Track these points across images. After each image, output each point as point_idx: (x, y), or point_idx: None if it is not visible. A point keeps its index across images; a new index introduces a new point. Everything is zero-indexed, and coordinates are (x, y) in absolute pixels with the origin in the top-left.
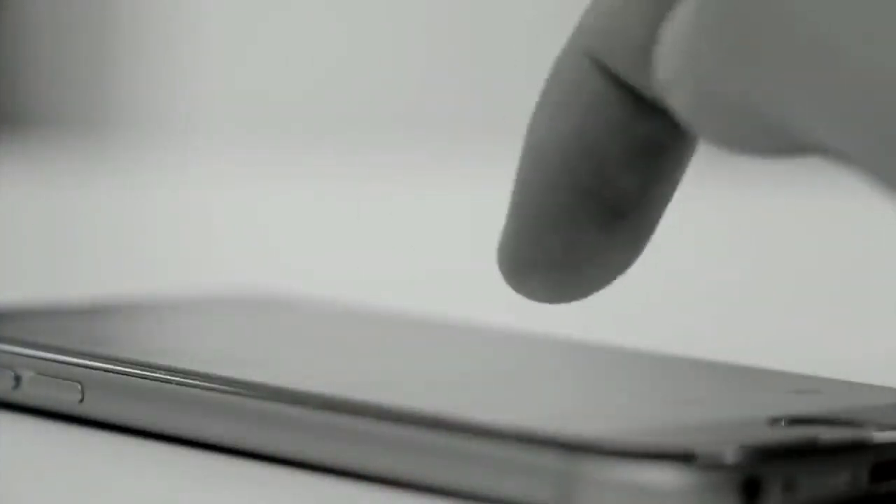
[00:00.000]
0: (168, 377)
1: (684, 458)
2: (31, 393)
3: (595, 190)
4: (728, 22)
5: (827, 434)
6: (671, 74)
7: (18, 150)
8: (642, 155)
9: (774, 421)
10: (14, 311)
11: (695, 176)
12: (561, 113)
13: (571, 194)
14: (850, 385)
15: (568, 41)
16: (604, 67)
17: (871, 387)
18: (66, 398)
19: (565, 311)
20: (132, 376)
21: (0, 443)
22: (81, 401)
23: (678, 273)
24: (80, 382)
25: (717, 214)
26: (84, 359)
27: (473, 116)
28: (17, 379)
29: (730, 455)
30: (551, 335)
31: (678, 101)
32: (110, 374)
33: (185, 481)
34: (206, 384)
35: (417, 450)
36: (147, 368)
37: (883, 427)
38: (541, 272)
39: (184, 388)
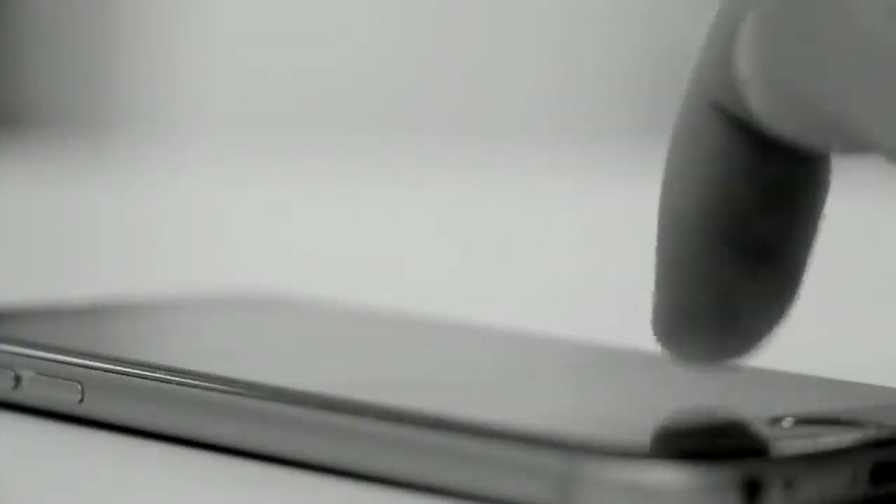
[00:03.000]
0: (168, 377)
1: (684, 458)
2: (31, 393)
3: (737, 238)
4: (791, 17)
5: (827, 434)
6: (747, 74)
7: (18, 150)
8: (777, 197)
9: (774, 421)
10: (14, 311)
11: None
12: (692, 168)
13: (715, 247)
14: (850, 385)
15: (686, 94)
16: (727, 114)
17: (871, 387)
18: (66, 398)
19: (566, 312)
20: (132, 376)
21: (0, 443)
22: (81, 401)
23: None
24: (80, 382)
25: None
26: (84, 359)
27: (476, 118)
28: (17, 379)
29: (730, 455)
30: (551, 335)
31: (754, 100)
32: (110, 374)
33: (185, 481)
34: (206, 384)
35: (417, 450)
36: (147, 368)
37: (883, 427)
38: (699, 333)
39: (184, 388)
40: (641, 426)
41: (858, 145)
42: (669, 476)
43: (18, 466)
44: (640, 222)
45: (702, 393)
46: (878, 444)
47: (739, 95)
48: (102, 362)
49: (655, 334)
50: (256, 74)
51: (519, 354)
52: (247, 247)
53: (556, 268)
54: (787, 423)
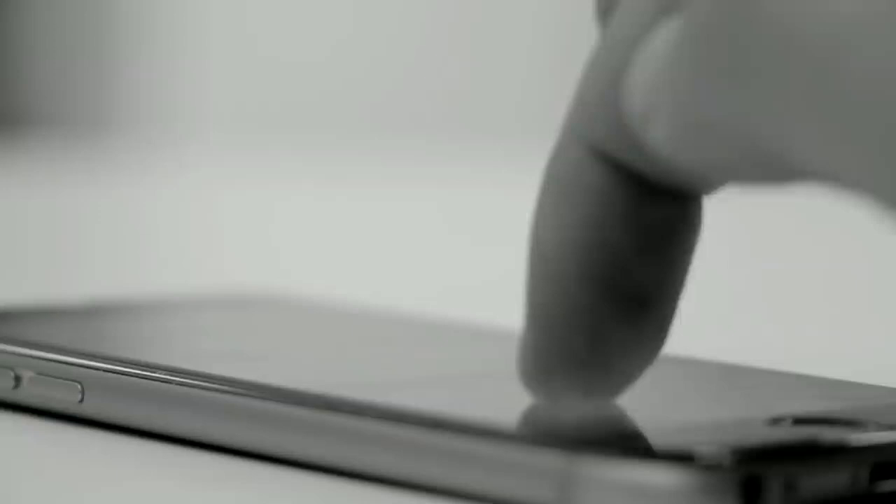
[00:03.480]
0: (168, 377)
1: (684, 458)
2: (31, 393)
3: (613, 283)
4: (716, 45)
5: (827, 434)
6: (650, 106)
7: (18, 150)
8: (655, 241)
9: (774, 421)
10: (14, 311)
11: None
12: (566, 209)
13: (589, 291)
14: (850, 385)
15: (560, 137)
16: (602, 155)
17: (871, 387)
18: (66, 398)
19: None
20: (132, 376)
21: (0, 443)
22: (81, 401)
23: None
24: (80, 382)
25: (717, 215)
26: (84, 359)
27: (475, 118)
28: (17, 379)
29: (730, 455)
30: None
31: (658, 133)
32: (110, 374)
33: (185, 481)
34: (206, 384)
35: (417, 450)
36: (147, 368)
37: (883, 427)
38: (567, 375)
39: (184, 388)
40: (641, 426)
41: (790, 173)
42: (669, 476)
43: (18, 466)
44: None
45: (702, 393)
46: (878, 443)
47: (626, 134)
48: (102, 362)
49: (519, 369)
50: (257, 74)
51: None
52: (247, 247)
53: None
54: (787, 423)
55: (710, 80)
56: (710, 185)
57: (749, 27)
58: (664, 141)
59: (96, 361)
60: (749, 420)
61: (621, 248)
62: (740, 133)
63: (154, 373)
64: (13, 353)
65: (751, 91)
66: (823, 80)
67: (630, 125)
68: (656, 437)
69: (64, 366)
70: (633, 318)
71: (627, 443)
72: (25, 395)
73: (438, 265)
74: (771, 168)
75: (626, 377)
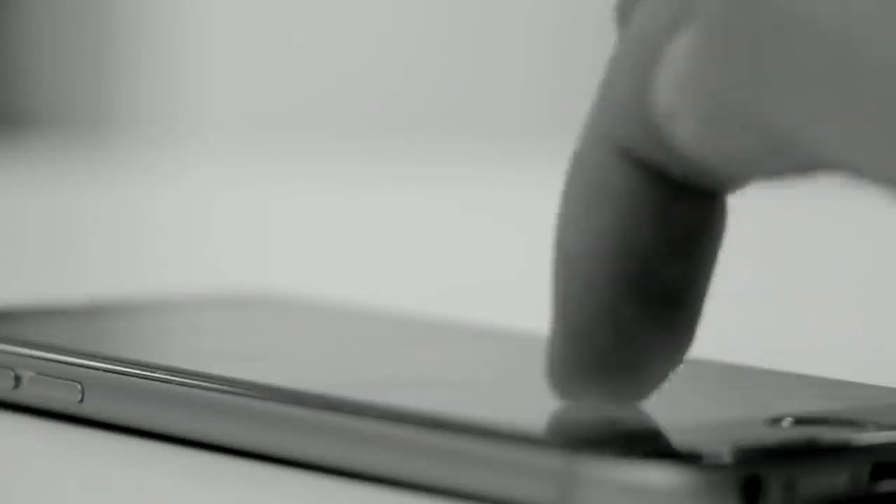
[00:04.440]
0: (168, 377)
1: (684, 458)
2: (31, 393)
3: (641, 284)
4: (734, 40)
5: (827, 434)
6: (675, 103)
7: (18, 150)
8: (682, 240)
9: (774, 421)
10: (14, 311)
11: None
12: (592, 210)
13: (617, 292)
14: (850, 385)
15: (585, 136)
16: (629, 155)
17: (871, 387)
18: (66, 398)
19: None
20: (132, 376)
21: (0, 443)
22: (81, 401)
23: None
24: (80, 382)
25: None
26: (84, 359)
27: (474, 118)
28: (17, 379)
29: (730, 455)
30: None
31: (684, 130)
32: (110, 374)
33: (185, 481)
34: (206, 384)
35: (417, 450)
36: (147, 368)
37: (883, 427)
38: (595, 379)
39: (184, 388)
40: (641, 426)
41: (810, 164)
42: (669, 476)
43: (18, 466)
44: None
45: (702, 393)
46: (878, 443)
47: (654, 132)
48: (102, 362)
49: (548, 373)
50: (256, 75)
51: (519, 354)
52: (247, 247)
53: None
54: (787, 423)
55: (730, 74)
56: (735, 182)
57: (763, 20)
58: (690, 137)
59: (96, 361)
60: (749, 420)
61: (649, 248)
62: (762, 125)
63: (154, 373)
64: (13, 353)
65: (770, 84)
66: (838, 71)
67: (657, 124)
68: (656, 437)
69: (64, 366)
70: (661, 318)
71: (627, 443)
72: (25, 395)
73: (438, 265)
74: (792, 159)
75: (654, 378)
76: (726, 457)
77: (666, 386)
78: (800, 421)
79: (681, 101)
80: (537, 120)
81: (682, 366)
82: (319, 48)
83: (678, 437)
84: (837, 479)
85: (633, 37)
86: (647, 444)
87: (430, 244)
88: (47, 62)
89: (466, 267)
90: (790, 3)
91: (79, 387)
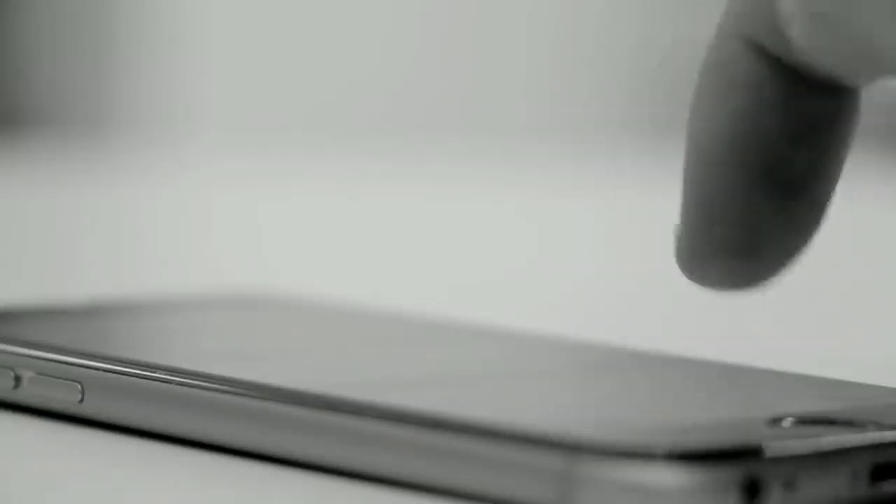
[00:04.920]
0: (168, 377)
1: (684, 458)
2: (31, 393)
3: (767, 172)
4: None
5: (827, 434)
6: (792, 7)
7: (18, 150)
8: (809, 132)
9: (774, 421)
10: (14, 311)
11: None
12: (722, 100)
13: (744, 179)
14: (850, 385)
15: (718, 28)
16: (759, 48)
17: (871, 387)
18: (66, 398)
19: (566, 312)
20: (132, 376)
21: (0, 443)
22: (81, 401)
23: (678, 273)
24: (80, 382)
25: None
26: (84, 359)
27: (475, 118)
28: (17, 379)
29: (730, 455)
30: (551, 335)
31: (796, 34)
32: (110, 374)
33: (185, 481)
34: (206, 384)
35: (417, 450)
36: (147, 368)
37: (883, 427)
38: (720, 261)
39: (184, 388)
40: (641, 426)
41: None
42: (669, 476)
43: (18, 466)
44: (639, 222)
45: (702, 393)
46: (878, 444)
47: (778, 30)
48: (102, 362)
49: (676, 254)
50: (256, 75)
51: (519, 354)
52: (246, 247)
53: (554, 267)
54: (787, 423)
55: None
56: (855, 80)
57: None
58: (803, 40)
59: (96, 361)
60: (749, 420)
61: (775, 137)
62: (856, 29)
63: (154, 373)
64: (13, 353)
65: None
66: None
67: (779, 24)
68: (656, 436)
69: (64, 366)
70: (787, 205)
71: (627, 443)
72: (25, 395)
73: (439, 265)
74: (883, 63)
75: (779, 264)
76: (726, 457)
77: (667, 385)
78: (800, 421)
79: (796, 5)
80: (538, 120)
81: (655, 365)
82: (319, 48)
83: (678, 437)
84: (837, 480)
85: None
86: (647, 444)
87: (431, 244)
88: (47, 62)
89: (467, 267)
90: None
91: (79, 387)
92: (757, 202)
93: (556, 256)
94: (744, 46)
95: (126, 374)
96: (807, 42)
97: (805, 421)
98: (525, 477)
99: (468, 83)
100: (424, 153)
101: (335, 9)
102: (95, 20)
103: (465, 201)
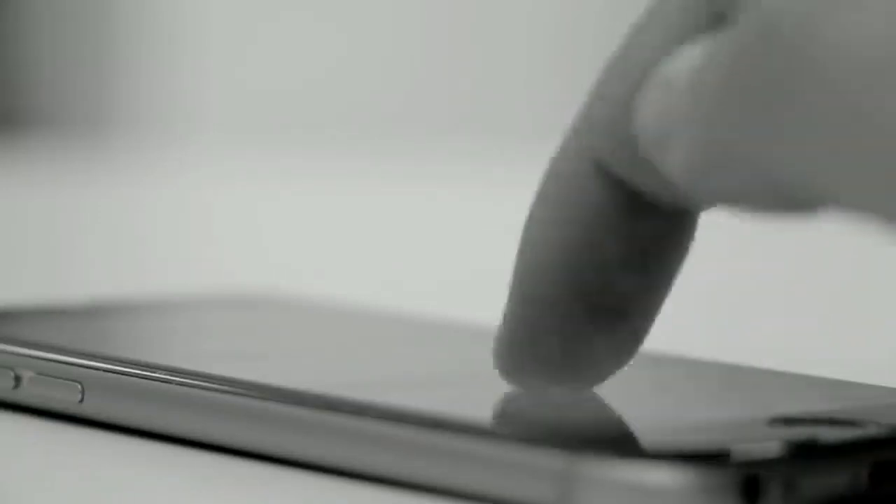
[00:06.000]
0: (168, 377)
1: (684, 458)
2: (31, 393)
3: (596, 292)
4: (751, 75)
5: (827, 434)
6: (667, 131)
7: (18, 150)
8: (643, 256)
9: (774, 421)
10: (14, 311)
11: None
12: (561, 214)
13: (571, 296)
14: (850, 385)
15: (564, 142)
16: (603, 168)
17: (871, 387)
18: (66, 398)
19: None
20: (132, 376)
21: (0, 443)
22: (81, 401)
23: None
24: (80, 382)
25: (716, 214)
26: (84, 359)
27: (473, 119)
28: (17, 379)
29: (730, 455)
30: None
31: (675, 159)
32: (110, 374)
33: (185, 481)
34: (206, 384)
35: (417, 450)
36: (147, 368)
37: (883, 427)
38: (537, 372)
39: (184, 388)
40: (641, 426)
41: (807, 203)
42: (669, 476)
43: (18, 466)
44: None
45: (702, 393)
46: (878, 443)
47: (632, 152)
48: (102, 362)
49: (495, 357)
50: (256, 75)
51: None
52: (246, 247)
53: None
54: (787, 423)
55: (738, 108)
56: (715, 206)
57: (790, 64)
58: (681, 167)
59: (96, 361)
60: (749, 420)
61: (608, 259)
62: (764, 162)
63: (154, 373)
64: (13, 353)
65: (783, 123)
66: (855, 119)
67: (641, 147)
68: (656, 437)
69: (64, 366)
70: (610, 328)
71: (627, 443)
72: (25, 395)
73: (438, 265)
74: (789, 198)
75: (591, 380)
76: (726, 457)
77: (666, 386)
78: (800, 421)
79: (673, 129)
80: (538, 120)
81: (655, 365)
82: (319, 48)
83: (678, 437)
84: (837, 480)
85: (629, 48)
86: (647, 444)
87: (431, 244)
88: (47, 62)
89: (467, 267)
90: (822, 53)
91: (79, 387)
92: (581, 321)
93: None
94: (590, 168)
95: (126, 375)
96: (685, 170)
97: (805, 421)
98: (525, 477)
99: (469, 83)
100: (425, 153)
101: (335, 9)
102: (95, 20)
103: (466, 201)
